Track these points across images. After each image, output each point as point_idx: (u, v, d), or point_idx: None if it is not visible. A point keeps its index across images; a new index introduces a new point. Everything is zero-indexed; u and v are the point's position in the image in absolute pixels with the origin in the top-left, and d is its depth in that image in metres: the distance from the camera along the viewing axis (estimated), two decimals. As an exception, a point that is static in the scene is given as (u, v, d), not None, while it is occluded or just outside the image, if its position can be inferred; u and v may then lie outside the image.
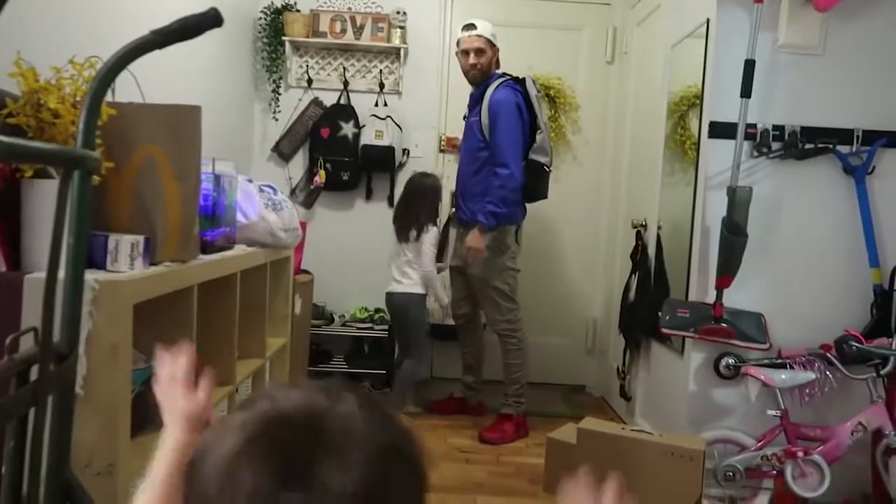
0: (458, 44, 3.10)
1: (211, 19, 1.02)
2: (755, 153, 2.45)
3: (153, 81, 2.44)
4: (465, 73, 3.10)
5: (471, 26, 3.03)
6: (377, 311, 3.66)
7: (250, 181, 2.35)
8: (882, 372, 2.23)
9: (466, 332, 3.28)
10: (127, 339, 1.32)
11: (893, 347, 2.22)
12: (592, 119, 3.88)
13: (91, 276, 1.26)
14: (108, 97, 1.36)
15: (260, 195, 2.34)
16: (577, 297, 3.91)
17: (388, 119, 3.70)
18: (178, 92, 2.67)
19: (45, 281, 0.87)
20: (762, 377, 2.25)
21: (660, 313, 2.48)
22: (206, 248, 1.86)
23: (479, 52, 3.01)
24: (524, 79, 3.07)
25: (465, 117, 3.22)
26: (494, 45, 3.07)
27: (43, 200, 1.31)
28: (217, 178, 1.93)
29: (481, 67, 3.03)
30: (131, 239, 1.41)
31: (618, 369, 3.29)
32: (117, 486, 1.29)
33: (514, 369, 3.05)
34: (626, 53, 3.77)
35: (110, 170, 1.44)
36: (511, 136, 2.93)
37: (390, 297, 3.22)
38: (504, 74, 3.08)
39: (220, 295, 1.97)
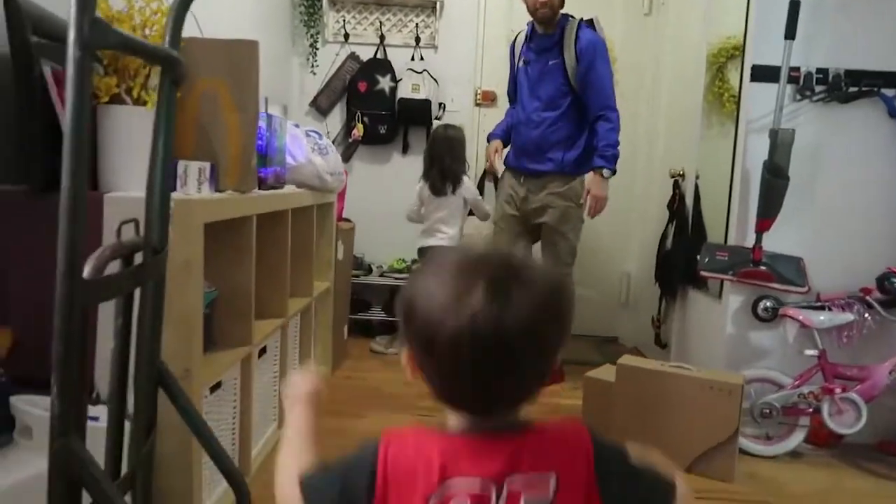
0: None
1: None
2: (798, 97, 2.44)
3: (192, 34, 2.54)
4: (534, 11, 2.82)
5: None
6: (414, 261, 3.73)
7: (297, 126, 2.42)
8: (922, 313, 2.24)
9: None
10: (199, 257, 1.40)
11: (935, 288, 2.23)
12: (629, 71, 3.85)
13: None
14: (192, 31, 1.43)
15: (307, 139, 2.41)
16: (611, 250, 3.94)
17: (425, 73, 3.73)
18: None
19: (147, 179, 0.94)
20: (801, 318, 2.28)
21: (698, 257, 2.50)
22: (261, 183, 1.94)
23: None
24: (592, 20, 2.97)
25: (524, 62, 2.96)
26: None
27: (119, 124, 1.38)
28: (269, 118, 1.99)
29: (552, 5, 2.79)
30: (199, 164, 1.48)
31: (653, 319, 3.33)
32: (191, 389, 1.38)
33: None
34: (663, 4, 3.73)
35: (178, 100, 1.50)
36: (611, 79, 2.88)
37: (425, 251, 3.28)
38: (571, 16, 2.91)
39: (272, 231, 2.05)
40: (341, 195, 3.00)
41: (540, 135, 2.90)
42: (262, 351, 1.97)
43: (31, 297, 1.32)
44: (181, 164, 1.46)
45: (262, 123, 1.95)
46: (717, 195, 2.76)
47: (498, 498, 0.64)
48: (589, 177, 2.85)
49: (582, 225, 2.97)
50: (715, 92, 2.94)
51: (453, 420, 0.71)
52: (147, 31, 1.42)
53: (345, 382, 2.86)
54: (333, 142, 3.85)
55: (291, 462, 0.76)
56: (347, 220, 3.23)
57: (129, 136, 1.39)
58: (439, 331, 0.64)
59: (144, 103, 1.42)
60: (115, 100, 1.38)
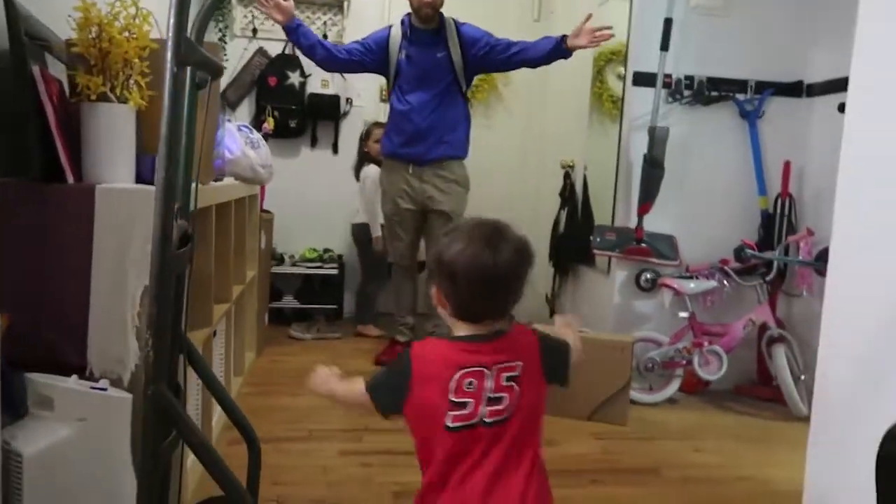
0: None
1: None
2: (670, 99, 2.88)
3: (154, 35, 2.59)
4: (419, 9, 2.94)
5: None
6: (325, 251, 3.92)
7: (229, 120, 2.55)
8: (767, 279, 2.75)
9: (413, 274, 3.25)
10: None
11: (778, 255, 2.75)
12: (521, 72, 4.21)
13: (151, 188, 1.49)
14: (155, 34, 1.57)
15: (239, 133, 2.54)
16: (508, 235, 4.30)
17: (333, 68, 3.90)
18: None
19: (184, 173, 1.11)
20: (675, 286, 2.72)
21: (591, 238, 2.89)
22: (209, 175, 2.07)
23: None
24: None
25: (406, 56, 3.02)
26: None
27: (105, 120, 1.51)
28: (216, 113, 2.12)
29: (435, 5, 2.94)
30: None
31: (546, 295, 3.73)
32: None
33: None
34: (552, 13, 4.13)
35: (154, 97, 1.64)
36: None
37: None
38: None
39: (218, 221, 2.19)
40: (263, 187, 3.13)
41: (433, 121, 2.99)
42: (213, 333, 2.11)
43: (26, 284, 1.43)
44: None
45: (210, 119, 2.08)
46: (602, 183, 3.17)
47: (489, 376, 1.04)
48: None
49: None
50: (595, 93, 3.36)
51: (459, 331, 1.09)
52: (128, 34, 1.55)
53: (273, 366, 3.02)
54: (243, 134, 3.94)
55: (350, 387, 1.13)
56: (267, 212, 3.36)
57: (114, 131, 1.52)
58: (459, 270, 1.04)
59: (126, 101, 1.55)
60: (101, 98, 1.50)
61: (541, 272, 3.95)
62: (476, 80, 4.14)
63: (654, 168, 2.75)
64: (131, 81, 1.56)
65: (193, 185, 1.32)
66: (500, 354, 1.05)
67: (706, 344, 2.66)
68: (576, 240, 3.34)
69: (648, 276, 2.85)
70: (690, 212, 2.92)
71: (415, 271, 3.24)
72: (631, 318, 2.91)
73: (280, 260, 3.88)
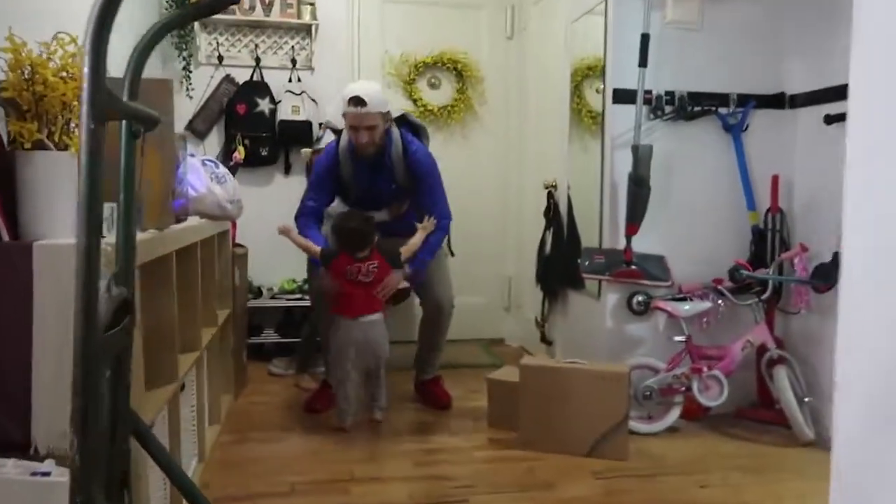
0: (343, 115, 2.69)
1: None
2: (652, 116, 2.79)
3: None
4: (357, 149, 2.69)
5: (358, 101, 2.57)
6: (305, 281, 3.76)
7: (192, 155, 2.41)
8: (762, 298, 2.65)
9: None
10: (134, 300, 1.41)
11: (772, 274, 2.65)
12: (497, 91, 4.13)
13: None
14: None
15: (204, 168, 2.41)
16: (491, 257, 4.18)
17: (304, 94, 3.78)
18: None
19: (122, 230, 0.98)
20: (669, 309, 2.61)
21: (579, 261, 2.78)
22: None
23: (371, 127, 2.61)
24: (406, 119, 2.93)
25: (352, 172, 2.79)
26: (386, 115, 2.69)
27: (42, 170, 1.37)
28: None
29: (374, 142, 2.66)
30: (109, 207, 1.48)
31: (536, 319, 3.60)
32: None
33: (445, 337, 3.06)
34: (524, 30, 4.04)
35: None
36: (443, 190, 2.87)
37: None
38: (394, 123, 2.78)
39: (183, 264, 2.04)
40: (234, 221, 2.99)
41: (376, 198, 2.84)
42: (182, 387, 1.96)
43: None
44: (108, 207, 1.46)
45: (169, 158, 1.95)
46: (587, 203, 3.06)
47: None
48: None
49: None
50: (574, 108, 3.27)
51: None
52: (65, 74, 1.41)
53: (252, 408, 2.86)
54: (213, 166, 3.80)
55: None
56: (241, 246, 3.21)
57: (53, 182, 1.38)
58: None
59: (66, 147, 1.41)
60: (37, 145, 1.37)
61: (528, 296, 3.83)
62: (451, 100, 4.08)
63: (639, 187, 2.65)
64: (71, 126, 1.42)
65: (112, 239, 1.19)
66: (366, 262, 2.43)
67: (705, 369, 2.54)
68: (563, 262, 3.23)
69: (640, 298, 2.74)
70: (680, 230, 2.82)
71: None
72: (625, 343, 2.79)
73: (258, 293, 3.72)
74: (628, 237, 2.70)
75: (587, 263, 2.74)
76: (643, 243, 2.73)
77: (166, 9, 3.63)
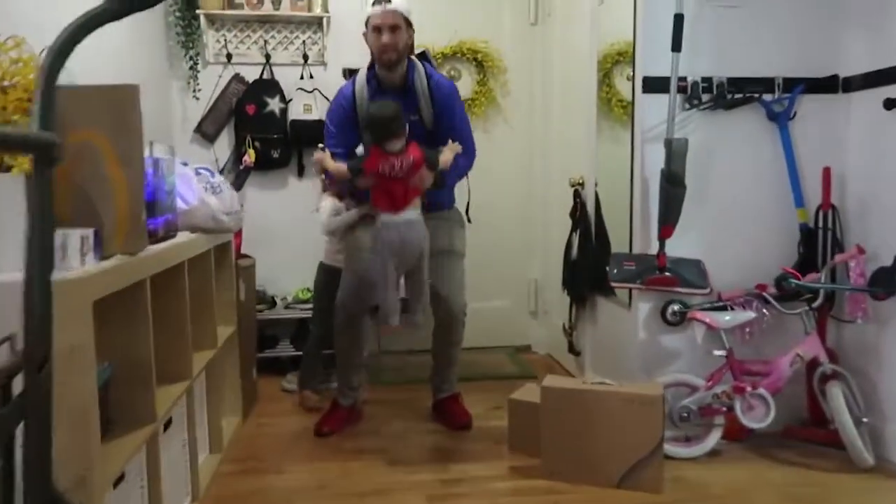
0: (366, 21, 2.58)
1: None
2: (687, 105, 2.53)
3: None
4: (379, 53, 2.53)
5: None
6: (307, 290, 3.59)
7: (185, 164, 2.25)
8: (814, 306, 2.38)
9: (366, 321, 2.77)
10: (88, 340, 1.24)
11: (824, 281, 2.37)
12: (521, 81, 3.89)
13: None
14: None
15: (197, 178, 2.24)
16: (516, 259, 3.96)
17: (316, 91, 3.60)
18: (80, 76, 2.48)
19: (24, 283, 0.80)
20: (707, 320, 2.36)
21: (607, 268, 2.54)
22: (152, 236, 1.77)
23: (395, 28, 2.51)
24: (425, 54, 2.77)
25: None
26: (411, 26, 2.61)
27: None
28: (156, 163, 1.83)
29: (397, 48, 2.52)
30: (81, 233, 1.32)
31: (564, 326, 3.38)
32: (93, 495, 1.23)
33: (460, 349, 2.81)
34: (549, 15, 3.79)
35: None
36: (469, 124, 2.74)
37: None
38: (416, 59, 2.66)
39: (167, 286, 1.89)
40: (238, 231, 2.83)
41: None
42: (168, 422, 1.81)
43: None
44: (59, 235, 1.29)
45: (149, 169, 1.78)
46: (616, 202, 2.82)
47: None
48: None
49: None
50: (603, 98, 3.02)
51: None
52: (7, 83, 1.24)
53: (259, 430, 2.70)
54: (223, 170, 3.65)
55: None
56: (247, 256, 3.05)
57: (-6, 208, 1.22)
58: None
59: (9, 169, 1.24)
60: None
61: (556, 300, 3.60)
62: (472, 92, 3.85)
63: (674, 186, 2.40)
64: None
65: (65, 271, 1.01)
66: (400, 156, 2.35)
67: (749, 388, 2.29)
68: (591, 266, 2.99)
69: (676, 308, 2.49)
70: (719, 231, 2.56)
71: (366, 316, 2.73)
72: (659, 356, 2.55)
73: (272, 304, 3.56)
74: (662, 240, 2.46)
75: (616, 271, 2.50)
76: (678, 246, 2.48)
77: (171, 7, 3.49)
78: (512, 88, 3.89)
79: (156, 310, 1.85)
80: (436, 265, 2.60)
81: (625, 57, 2.82)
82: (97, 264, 1.35)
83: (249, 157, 3.57)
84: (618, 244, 2.78)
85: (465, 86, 3.81)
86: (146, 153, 1.81)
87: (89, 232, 1.33)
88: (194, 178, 2.22)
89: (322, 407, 2.83)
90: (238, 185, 3.68)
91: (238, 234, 2.87)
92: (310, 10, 3.56)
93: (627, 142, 2.70)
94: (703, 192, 2.53)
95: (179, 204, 2.09)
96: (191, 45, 3.51)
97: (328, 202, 2.85)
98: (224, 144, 3.68)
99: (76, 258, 1.30)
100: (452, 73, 3.83)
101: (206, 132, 3.63)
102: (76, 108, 1.41)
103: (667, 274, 2.45)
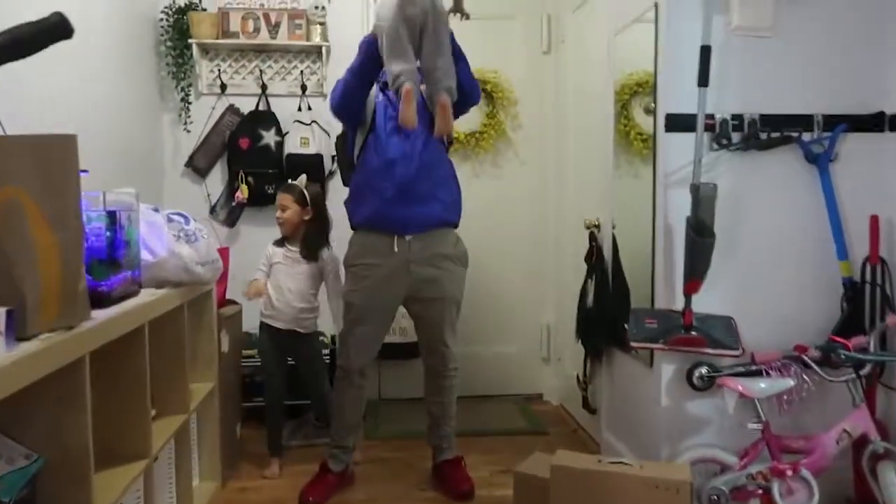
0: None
1: (55, 28, 0.73)
2: (715, 146, 2.28)
3: (29, 101, 2.10)
4: None
5: None
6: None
7: (156, 210, 2.03)
8: (862, 373, 2.10)
9: (365, 381, 2.55)
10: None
11: (874, 346, 2.10)
12: (533, 113, 3.67)
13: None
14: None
15: (169, 226, 2.02)
16: (527, 302, 3.71)
17: (314, 124, 3.40)
18: (65, 110, 2.33)
19: None
20: (740, 388, 2.09)
21: (626, 325, 2.28)
22: (104, 300, 1.55)
23: None
24: None
25: (383, 93, 2.47)
26: None
27: None
28: (111, 215, 1.61)
29: None
30: (-14, 316, 1.09)
31: (578, 378, 3.11)
32: None
33: (455, 404, 2.60)
34: (563, 42, 3.57)
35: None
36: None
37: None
38: None
39: (123, 353, 1.66)
40: (223, 277, 2.61)
41: (421, 175, 2.37)
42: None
43: None
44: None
45: (101, 223, 1.57)
46: (636, 247, 2.57)
47: None
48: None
49: None
50: (621, 131, 2.79)
51: None
52: None
53: (239, 498, 2.45)
54: (216, 205, 3.45)
55: None
56: (233, 303, 2.82)
57: None
58: None
59: None
60: None
61: (569, 347, 3.34)
62: (480, 125, 3.63)
63: (701, 236, 2.14)
64: None
65: None
66: None
67: (789, 472, 2.01)
68: (608, 317, 2.73)
69: (703, 371, 2.22)
70: (751, 286, 2.29)
71: (367, 377, 2.54)
72: (684, 425, 2.28)
73: (264, 347, 3.32)
74: (688, 295, 2.20)
75: (637, 329, 2.24)
76: (706, 301, 2.22)
77: (163, 36, 3.31)
78: (523, 121, 3.67)
79: (109, 381, 1.64)
80: (431, 309, 2.45)
81: (644, 88, 2.60)
82: (9, 351, 1.11)
83: (242, 192, 3.36)
84: (640, 295, 2.52)
85: (474, 119, 3.59)
86: (100, 204, 1.61)
87: None
88: (165, 226, 2.00)
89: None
90: (231, 221, 3.48)
91: (223, 279, 2.64)
92: (308, 38, 3.37)
93: (648, 178, 2.45)
94: (734, 243, 2.27)
95: (145, 256, 1.87)
96: (183, 75, 3.33)
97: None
98: (217, 179, 3.48)
99: (-19, 346, 1.07)
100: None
101: (197, 166, 3.44)
102: (1, 162, 1.19)
103: (693, 333, 2.18)
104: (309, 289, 2.73)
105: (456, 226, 2.53)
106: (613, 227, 2.79)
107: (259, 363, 3.05)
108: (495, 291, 3.64)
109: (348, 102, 2.45)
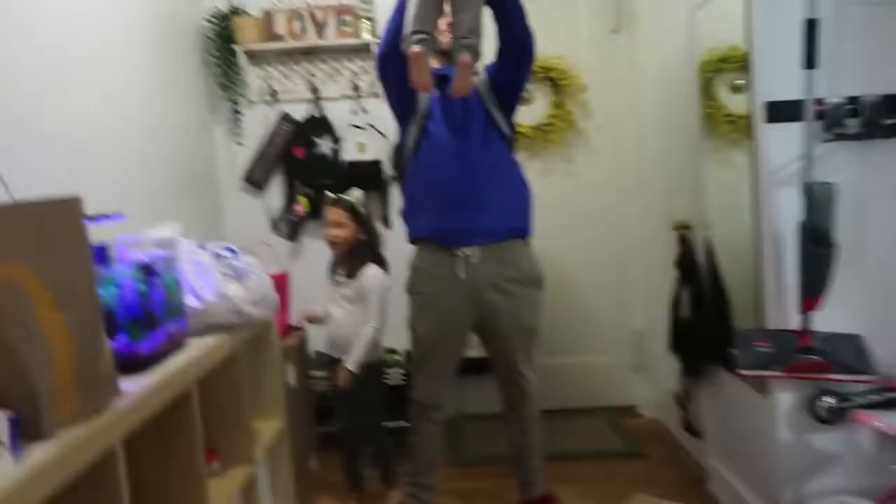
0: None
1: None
2: (827, 136, 1.94)
3: (75, 123, 2.03)
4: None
5: None
6: (389, 351, 3.14)
7: (203, 248, 1.86)
8: None
9: (444, 415, 2.36)
10: None
11: None
12: (604, 100, 3.36)
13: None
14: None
15: (216, 264, 1.85)
16: (612, 308, 3.42)
17: (370, 127, 3.20)
18: (114, 131, 2.26)
19: None
20: (883, 427, 1.77)
21: (734, 351, 1.99)
22: (142, 363, 1.40)
23: None
24: None
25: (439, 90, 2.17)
26: None
27: None
28: (144, 269, 1.44)
29: None
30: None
31: (676, 397, 2.81)
32: None
33: (539, 434, 2.34)
34: (634, 19, 3.24)
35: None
36: None
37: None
38: None
39: (173, 415, 1.50)
40: (282, 303, 2.45)
41: (482, 172, 2.12)
42: None
43: None
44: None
45: (130, 279, 1.40)
46: (733, 250, 2.27)
47: None
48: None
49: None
50: (707, 114, 2.48)
51: None
52: None
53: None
54: (276, 219, 3.31)
55: None
56: (296, 329, 2.66)
57: None
58: None
59: None
60: None
61: (663, 354, 3.02)
62: (546, 116, 3.34)
63: (818, 245, 1.82)
64: None
65: None
66: None
67: (948, 529, 1.69)
68: (706, 331, 2.43)
69: (831, 401, 1.90)
70: (882, 299, 1.95)
71: (444, 410, 2.30)
72: (809, 464, 1.97)
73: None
74: (806, 314, 1.88)
75: (745, 355, 1.94)
76: (828, 319, 1.90)
77: (209, 45, 3.18)
78: (594, 109, 3.36)
79: (160, 444, 1.50)
80: (502, 340, 2.21)
81: (729, 63, 2.29)
82: (19, 461, 0.95)
83: (301, 206, 3.21)
84: (744, 308, 2.22)
85: (539, 109, 3.31)
86: (127, 254, 1.45)
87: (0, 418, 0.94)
88: (213, 265, 1.83)
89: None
90: (292, 235, 3.33)
91: (283, 307, 2.48)
92: (357, 36, 3.16)
93: (743, 169, 2.17)
94: (860, 249, 1.93)
95: (191, 302, 1.71)
96: (231, 84, 3.18)
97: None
98: (276, 192, 3.33)
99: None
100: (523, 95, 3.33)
101: (254, 180, 3.30)
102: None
103: (815, 357, 1.87)
104: (355, 313, 2.43)
105: (526, 235, 2.25)
106: (707, 229, 2.47)
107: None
108: (576, 297, 3.38)
109: (392, 51, 2.10)
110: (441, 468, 2.42)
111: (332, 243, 2.49)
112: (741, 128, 2.20)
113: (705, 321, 2.44)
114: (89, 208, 1.11)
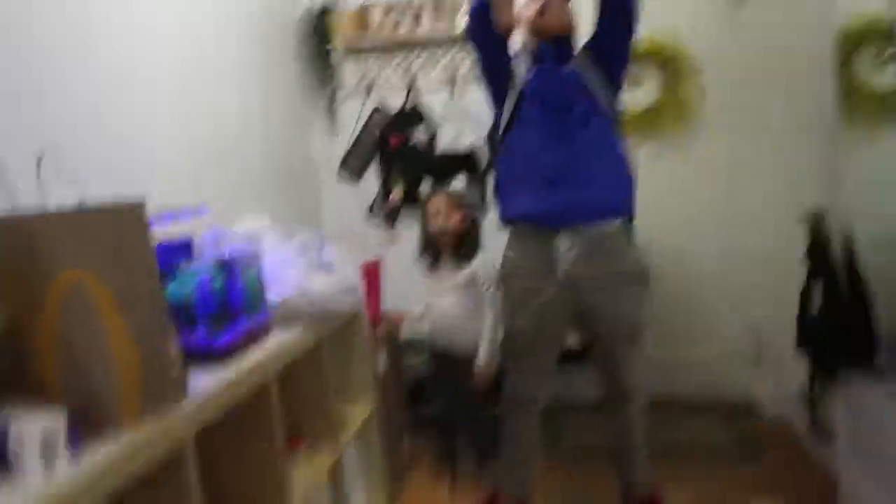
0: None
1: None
2: None
3: (177, 123, 2.11)
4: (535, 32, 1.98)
5: None
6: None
7: (290, 240, 1.84)
8: None
9: (537, 411, 2.19)
10: None
11: None
12: (721, 83, 3.04)
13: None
14: None
15: (303, 256, 1.82)
16: (729, 298, 3.13)
17: (464, 117, 3.11)
18: (217, 125, 2.34)
19: None
20: None
21: (878, 362, 1.72)
22: (220, 357, 1.38)
23: None
24: None
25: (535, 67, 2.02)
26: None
27: None
28: (222, 266, 1.41)
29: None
30: (42, 426, 0.90)
31: (806, 398, 2.52)
32: None
33: (642, 432, 2.15)
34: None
35: (20, 317, 0.96)
36: None
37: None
38: None
39: (253, 408, 1.48)
40: (374, 291, 2.40)
41: (583, 149, 1.93)
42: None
43: None
44: (14, 430, 0.89)
45: (206, 275, 1.38)
46: (884, 242, 1.98)
47: None
48: None
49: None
50: (845, 91, 2.17)
51: None
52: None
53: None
54: (372, 208, 3.29)
55: None
56: (391, 319, 2.64)
57: None
58: None
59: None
60: None
61: (785, 357, 2.72)
62: (657, 101, 3.08)
63: None
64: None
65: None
66: None
67: None
68: (840, 332, 2.14)
69: None
70: None
71: (539, 403, 2.14)
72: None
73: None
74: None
75: None
76: None
77: (305, 40, 3.19)
78: (710, 93, 3.06)
79: (234, 441, 1.48)
80: (604, 340, 2.04)
81: (875, 32, 1.98)
82: (74, 468, 0.92)
83: (396, 194, 3.17)
84: (889, 305, 1.92)
85: (649, 92, 3.08)
86: (211, 249, 1.42)
87: (57, 423, 0.91)
88: (297, 257, 1.80)
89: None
90: (390, 222, 3.31)
91: (374, 293, 2.44)
92: (452, 28, 3.07)
93: (891, 152, 1.85)
94: None
95: (274, 296, 1.68)
96: (327, 78, 3.19)
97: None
98: (372, 181, 3.31)
99: (35, 465, 0.89)
100: (631, 77, 3.09)
101: (351, 170, 3.29)
102: (59, 242, 1.01)
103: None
104: (464, 301, 2.49)
105: (629, 217, 2.01)
106: (845, 219, 2.17)
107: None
108: (690, 286, 3.13)
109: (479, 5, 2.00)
110: (538, 461, 2.26)
111: (440, 233, 2.49)
112: (888, 106, 1.90)
113: (840, 319, 2.15)
114: (195, 200, 1.13)
